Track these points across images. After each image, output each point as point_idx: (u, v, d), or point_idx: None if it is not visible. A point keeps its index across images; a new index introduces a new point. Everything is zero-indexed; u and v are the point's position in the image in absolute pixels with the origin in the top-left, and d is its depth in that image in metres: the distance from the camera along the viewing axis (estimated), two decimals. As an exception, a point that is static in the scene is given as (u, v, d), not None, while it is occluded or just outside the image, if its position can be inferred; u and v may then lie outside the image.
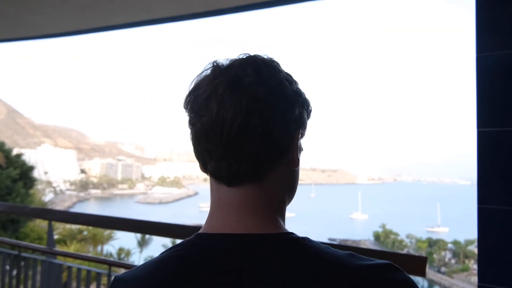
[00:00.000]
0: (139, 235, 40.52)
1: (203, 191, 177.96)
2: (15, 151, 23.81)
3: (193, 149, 0.65)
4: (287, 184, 0.65)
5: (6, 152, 20.31)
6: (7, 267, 3.11)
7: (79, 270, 2.77)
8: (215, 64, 0.63)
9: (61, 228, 32.01)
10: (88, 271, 2.69)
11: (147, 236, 40.96)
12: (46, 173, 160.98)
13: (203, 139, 0.60)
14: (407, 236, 60.98)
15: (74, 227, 34.19)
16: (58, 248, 25.68)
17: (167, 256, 0.61)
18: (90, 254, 28.64)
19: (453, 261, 50.42)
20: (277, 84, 0.62)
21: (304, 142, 0.71)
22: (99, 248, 39.58)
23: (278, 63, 0.66)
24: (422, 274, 1.50)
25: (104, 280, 2.60)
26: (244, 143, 0.59)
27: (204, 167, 0.64)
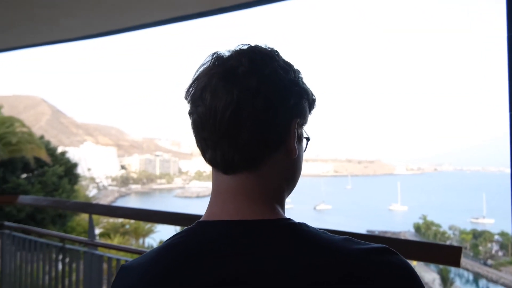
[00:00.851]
0: (178, 228, 41.64)
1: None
2: (59, 149, 25.05)
3: (194, 139, 0.67)
4: (285, 173, 0.65)
5: (51, 151, 21.37)
6: (54, 257, 3.30)
7: (118, 261, 2.87)
8: (214, 55, 0.64)
9: (105, 222, 33.42)
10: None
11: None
12: (89, 169, 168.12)
13: (200, 128, 0.63)
14: (450, 228, 58.91)
15: (117, 221, 35.55)
16: (102, 241, 26.85)
17: (170, 243, 0.63)
18: (130, 246, 29.73)
19: (500, 253, 48.23)
20: (270, 72, 0.62)
21: (310, 131, 0.71)
22: (140, 240, 41.08)
23: (277, 53, 0.66)
24: (457, 264, 1.44)
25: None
26: (237, 132, 0.60)
27: (204, 156, 0.66)
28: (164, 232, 42.70)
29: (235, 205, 0.61)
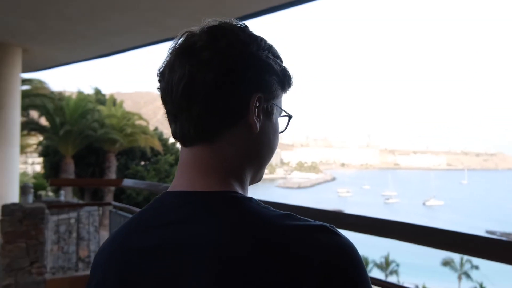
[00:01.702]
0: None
1: (341, 176, 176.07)
2: (171, 140, 27.52)
3: None
4: (246, 149, 0.64)
5: (164, 141, 23.59)
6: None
7: None
8: (184, 33, 0.64)
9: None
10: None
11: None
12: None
13: (163, 103, 0.64)
14: None
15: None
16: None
17: (141, 210, 0.67)
18: None
19: None
20: (225, 46, 0.60)
21: (288, 107, 0.67)
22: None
23: (242, 27, 0.65)
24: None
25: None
26: (190, 105, 0.60)
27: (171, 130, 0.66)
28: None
29: (189, 176, 0.62)
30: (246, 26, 0.66)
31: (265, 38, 0.67)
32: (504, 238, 1.91)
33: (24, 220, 4.13)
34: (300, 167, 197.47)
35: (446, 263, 34.41)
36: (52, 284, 4.26)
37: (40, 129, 19.20)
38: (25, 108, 16.84)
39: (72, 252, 5.85)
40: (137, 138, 19.59)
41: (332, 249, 0.52)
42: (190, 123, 0.61)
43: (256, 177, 0.69)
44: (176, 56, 0.62)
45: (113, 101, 22.12)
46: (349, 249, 0.53)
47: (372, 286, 0.53)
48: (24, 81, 16.89)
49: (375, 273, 34.41)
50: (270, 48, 0.66)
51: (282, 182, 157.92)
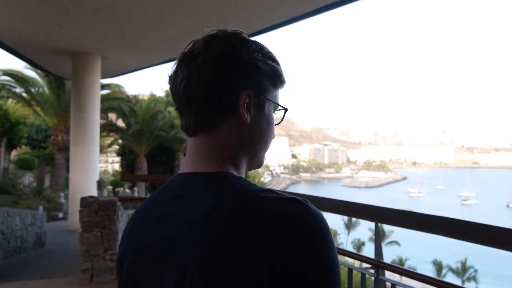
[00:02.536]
0: (346, 218, 41.44)
1: (412, 175, 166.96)
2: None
3: None
4: (240, 137, 0.73)
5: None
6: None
7: None
8: (190, 42, 0.75)
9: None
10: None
11: (354, 219, 41.57)
12: (264, 158, 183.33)
13: (173, 101, 0.76)
14: None
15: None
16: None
17: (158, 189, 0.79)
18: None
19: None
20: (216, 51, 0.70)
21: (288, 103, 0.74)
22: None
23: (235, 35, 0.73)
24: None
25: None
26: (190, 102, 0.72)
27: None
28: (330, 220, 43.24)
29: (192, 161, 0.73)
30: (240, 33, 0.74)
31: (258, 41, 0.76)
32: None
33: (99, 211, 4.58)
34: (368, 166, 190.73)
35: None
36: (123, 271, 4.68)
37: (117, 130, 20.81)
38: (104, 111, 18.34)
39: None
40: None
41: (298, 217, 0.59)
42: (191, 117, 0.72)
43: (254, 162, 0.78)
44: (179, 62, 0.73)
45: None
46: (315, 219, 0.59)
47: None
48: (103, 86, 18.43)
49: (450, 278, 32.31)
50: (260, 50, 0.74)
51: (348, 181, 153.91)
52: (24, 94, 18.70)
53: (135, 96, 23.15)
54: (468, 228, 1.77)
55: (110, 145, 25.42)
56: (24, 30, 8.87)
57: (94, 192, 9.34)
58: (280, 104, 0.78)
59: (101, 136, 20.15)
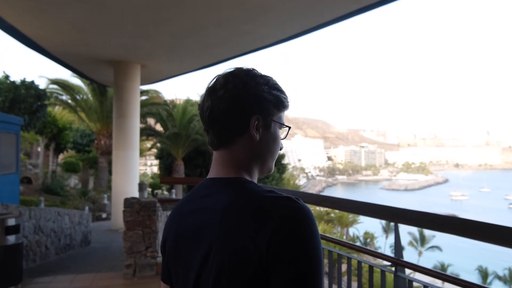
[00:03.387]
0: (383, 221, 40.48)
1: (454, 178, 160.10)
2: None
3: None
4: (251, 151, 0.95)
5: (264, 143, 24.46)
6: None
7: None
8: (215, 77, 0.98)
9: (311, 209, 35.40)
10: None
11: (392, 223, 40.17)
12: (299, 160, 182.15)
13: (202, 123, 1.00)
14: None
15: (323, 209, 37.23)
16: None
17: (192, 189, 1.03)
18: (327, 234, 30.35)
19: None
20: (232, 87, 0.93)
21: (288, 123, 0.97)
22: (344, 229, 42.10)
23: (247, 72, 0.96)
24: None
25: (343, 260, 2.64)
26: (213, 124, 0.95)
27: None
28: (367, 223, 42.47)
29: (216, 168, 0.97)
30: (251, 70, 0.98)
31: (266, 75, 0.98)
32: None
33: (140, 211, 4.94)
34: (407, 168, 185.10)
35: None
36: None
37: (155, 134, 21.59)
38: (143, 116, 19.10)
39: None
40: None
41: (290, 209, 0.79)
42: (214, 136, 0.95)
43: (264, 169, 1.00)
44: (206, 93, 0.97)
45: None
46: (302, 211, 0.80)
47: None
48: (142, 92, 19.23)
49: (497, 287, 30.86)
50: (267, 83, 0.96)
51: (387, 184, 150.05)
52: (70, 101, 19.86)
53: (172, 101, 23.89)
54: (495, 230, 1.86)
55: (150, 148, 26.34)
56: (70, 42, 9.52)
57: (134, 194, 9.82)
58: (284, 123, 1.00)
59: (141, 140, 20.99)
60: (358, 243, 39.43)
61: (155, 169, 46.79)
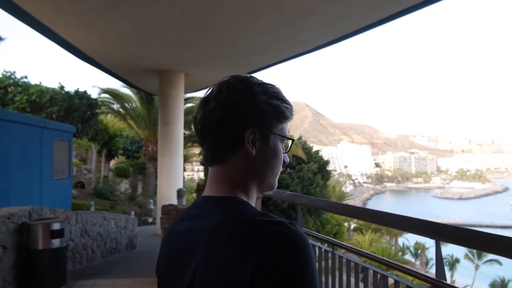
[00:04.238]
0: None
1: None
2: (316, 148, 27.94)
3: None
4: (248, 168, 0.86)
5: (307, 149, 24.17)
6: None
7: (348, 261, 2.71)
8: (212, 86, 0.89)
9: (357, 217, 34.41)
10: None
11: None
12: (345, 167, 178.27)
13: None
14: None
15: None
16: (355, 236, 27.71)
17: (188, 206, 0.96)
18: (359, 248, 29.31)
19: None
20: (225, 97, 0.84)
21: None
22: (393, 239, 40.47)
23: (242, 80, 0.86)
24: None
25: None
26: (205, 138, 0.86)
27: None
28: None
29: (209, 186, 0.88)
30: (247, 78, 0.88)
31: (266, 82, 0.88)
32: None
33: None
34: (462, 175, 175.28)
35: None
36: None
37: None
38: (188, 123, 19.57)
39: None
40: (281, 147, 20.60)
41: (280, 236, 0.70)
42: (207, 151, 0.87)
43: (263, 187, 0.90)
44: (199, 105, 0.89)
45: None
46: (294, 239, 0.70)
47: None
48: (187, 100, 19.73)
49: None
50: (265, 92, 0.86)
51: (439, 192, 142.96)
52: (120, 110, 20.81)
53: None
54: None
55: (199, 154, 26.89)
56: (118, 53, 9.96)
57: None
58: (285, 135, 0.90)
59: (186, 147, 21.51)
60: (408, 255, 37.88)
61: (202, 175, 47.82)
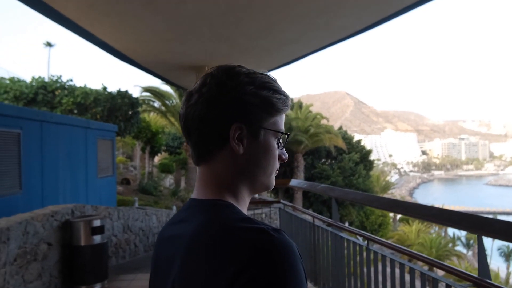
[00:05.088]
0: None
1: None
2: (358, 137, 27.28)
3: None
4: (235, 167, 0.77)
5: (348, 139, 23.64)
6: (307, 232, 3.91)
7: (354, 244, 3.02)
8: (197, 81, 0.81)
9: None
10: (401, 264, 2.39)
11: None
12: (390, 155, 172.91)
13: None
14: None
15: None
16: (401, 226, 26.95)
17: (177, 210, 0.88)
18: (394, 243, 28.32)
19: None
20: (207, 90, 0.76)
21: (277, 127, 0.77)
22: (443, 229, 38.80)
23: (226, 71, 0.78)
24: None
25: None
26: (189, 136, 0.79)
27: None
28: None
29: (196, 188, 0.82)
30: (232, 68, 0.79)
31: (256, 71, 0.79)
32: None
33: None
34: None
35: None
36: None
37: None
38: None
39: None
40: (321, 137, 20.34)
41: (260, 246, 0.62)
42: (192, 149, 0.80)
43: (256, 187, 0.81)
44: (183, 99, 0.81)
45: (299, 105, 23.57)
46: (277, 248, 0.62)
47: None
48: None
49: None
50: (252, 82, 0.77)
51: (492, 179, 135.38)
52: (161, 107, 21.35)
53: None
54: None
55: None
56: (155, 52, 10.14)
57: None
58: (277, 130, 0.80)
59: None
60: (459, 246, 36.22)
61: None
